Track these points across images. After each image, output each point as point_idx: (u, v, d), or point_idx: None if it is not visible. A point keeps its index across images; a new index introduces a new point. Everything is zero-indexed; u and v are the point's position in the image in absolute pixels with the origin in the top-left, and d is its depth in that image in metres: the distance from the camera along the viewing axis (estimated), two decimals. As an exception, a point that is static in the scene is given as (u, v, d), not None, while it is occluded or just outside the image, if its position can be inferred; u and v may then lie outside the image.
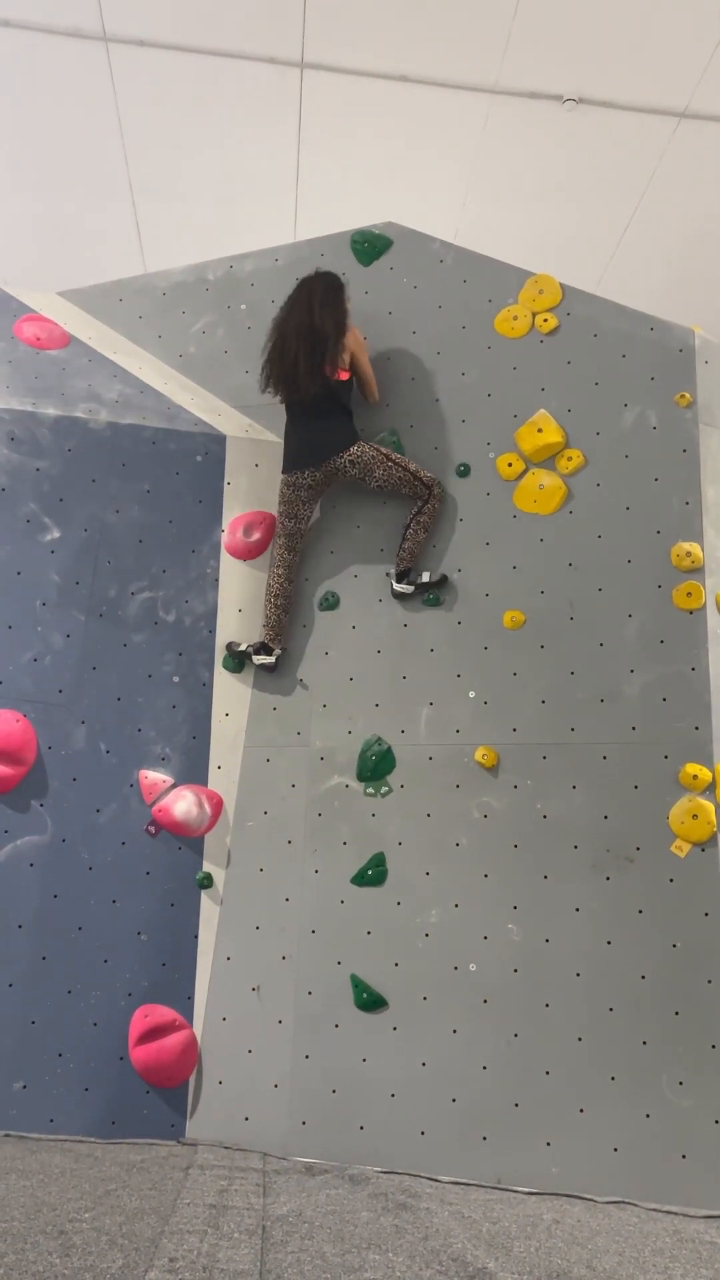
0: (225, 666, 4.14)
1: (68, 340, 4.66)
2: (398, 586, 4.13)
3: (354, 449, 4.14)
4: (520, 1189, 3.26)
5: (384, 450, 4.18)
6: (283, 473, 4.23)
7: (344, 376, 4.20)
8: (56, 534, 4.19)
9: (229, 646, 4.16)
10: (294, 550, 4.21)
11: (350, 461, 4.13)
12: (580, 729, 3.82)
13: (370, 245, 4.64)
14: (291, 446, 4.24)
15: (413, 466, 4.16)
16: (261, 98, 5.94)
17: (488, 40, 5.55)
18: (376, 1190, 2.94)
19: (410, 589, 4.11)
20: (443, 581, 4.12)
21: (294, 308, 4.20)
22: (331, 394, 4.18)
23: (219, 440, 4.43)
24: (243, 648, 4.14)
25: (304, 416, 4.22)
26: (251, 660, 4.12)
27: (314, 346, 4.09)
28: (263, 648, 4.11)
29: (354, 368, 4.26)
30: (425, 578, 4.12)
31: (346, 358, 4.19)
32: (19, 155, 6.38)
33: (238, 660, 4.15)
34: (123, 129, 6.16)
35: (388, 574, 4.19)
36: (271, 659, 4.09)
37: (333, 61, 5.72)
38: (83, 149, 6.30)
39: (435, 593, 4.11)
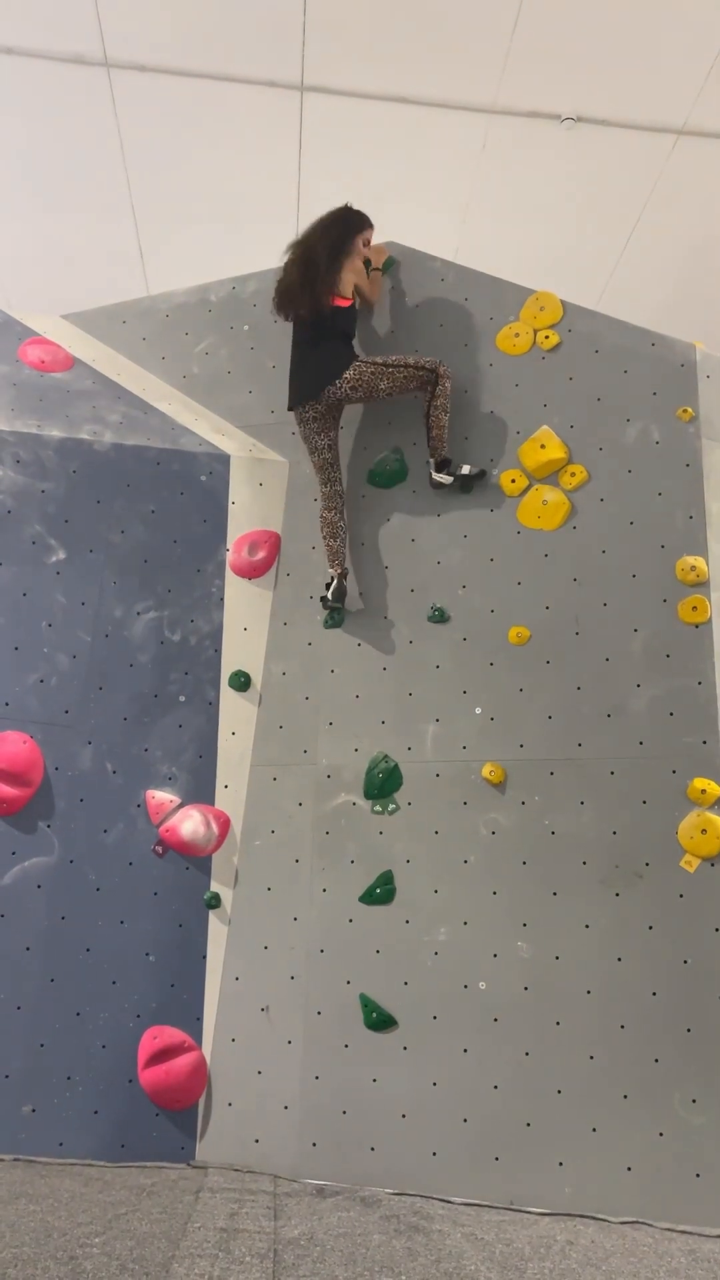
0: (232, 685, 4.15)
1: (71, 363, 4.69)
2: (437, 476, 4.18)
3: (349, 372, 4.12)
4: (533, 1210, 3.23)
5: (379, 360, 4.17)
6: (288, 409, 4.25)
7: (342, 303, 4.20)
8: (62, 555, 4.21)
9: (324, 602, 4.16)
10: (330, 481, 4.24)
11: (351, 387, 4.13)
12: (587, 744, 3.81)
13: (370, 264, 4.66)
14: (293, 381, 4.26)
15: (411, 360, 4.16)
16: (262, 120, 5.99)
17: (486, 60, 5.59)
18: (388, 1212, 2.91)
19: (450, 480, 4.17)
20: (482, 475, 4.17)
21: (307, 232, 4.27)
22: (327, 321, 4.19)
23: (223, 460, 4.44)
24: (328, 597, 4.12)
25: (304, 346, 4.25)
26: (332, 600, 4.13)
27: (307, 273, 4.16)
28: (333, 582, 4.14)
29: (357, 290, 4.30)
30: (465, 470, 4.17)
31: (348, 285, 4.21)
32: (22, 180, 6.43)
33: (335, 614, 4.19)
34: (125, 153, 6.21)
35: (427, 463, 4.23)
36: (337, 584, 4.12)
37: (332, 84, 5.77)
38: (85, 173, 6.35)
39: (441, 610, 4.11)
